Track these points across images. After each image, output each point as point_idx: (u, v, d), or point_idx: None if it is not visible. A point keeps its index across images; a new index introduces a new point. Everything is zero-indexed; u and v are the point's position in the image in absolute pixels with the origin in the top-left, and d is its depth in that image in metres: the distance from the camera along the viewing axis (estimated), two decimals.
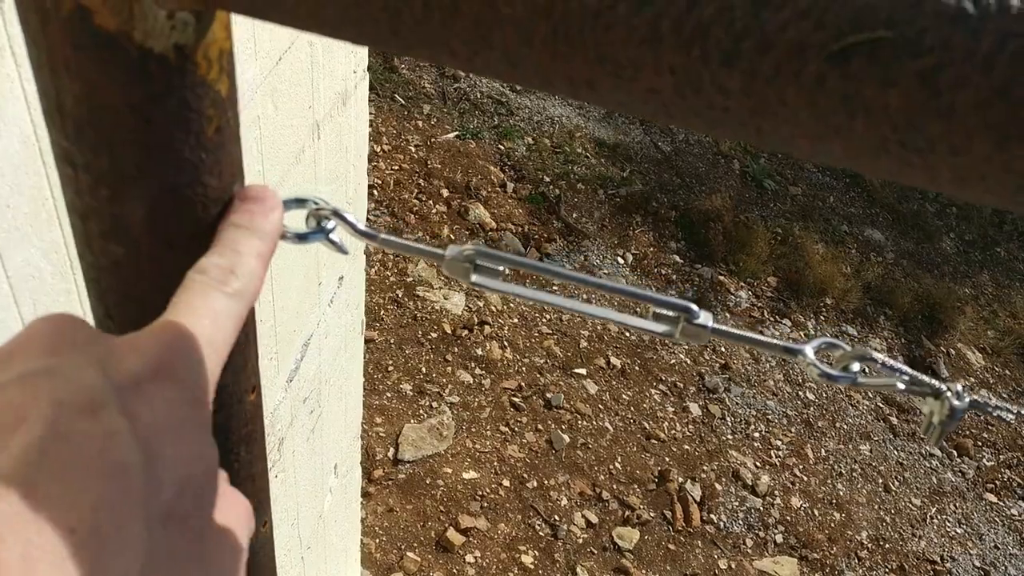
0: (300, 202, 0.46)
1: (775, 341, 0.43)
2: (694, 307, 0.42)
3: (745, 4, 0.29)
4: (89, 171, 0.39)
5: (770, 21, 0.29)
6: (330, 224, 0.46)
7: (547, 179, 5.40)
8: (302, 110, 1.23)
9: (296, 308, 1.40)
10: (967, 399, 0.41)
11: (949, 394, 0.41)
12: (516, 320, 4.59)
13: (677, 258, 5.17)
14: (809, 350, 0.42)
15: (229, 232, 0.43)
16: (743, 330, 0.42)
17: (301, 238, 0.45)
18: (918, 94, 0.29)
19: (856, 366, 0.42)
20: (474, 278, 0.44)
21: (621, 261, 5.06)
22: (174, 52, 0.36)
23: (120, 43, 0.35)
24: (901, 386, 0.42)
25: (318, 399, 1.67)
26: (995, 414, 0.40)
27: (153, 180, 0.39)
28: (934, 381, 0.41)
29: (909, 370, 0.40)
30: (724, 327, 0.42)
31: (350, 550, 2.73)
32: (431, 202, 5.05)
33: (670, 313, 0.43)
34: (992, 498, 4.35)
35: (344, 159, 1.53)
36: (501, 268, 0.43)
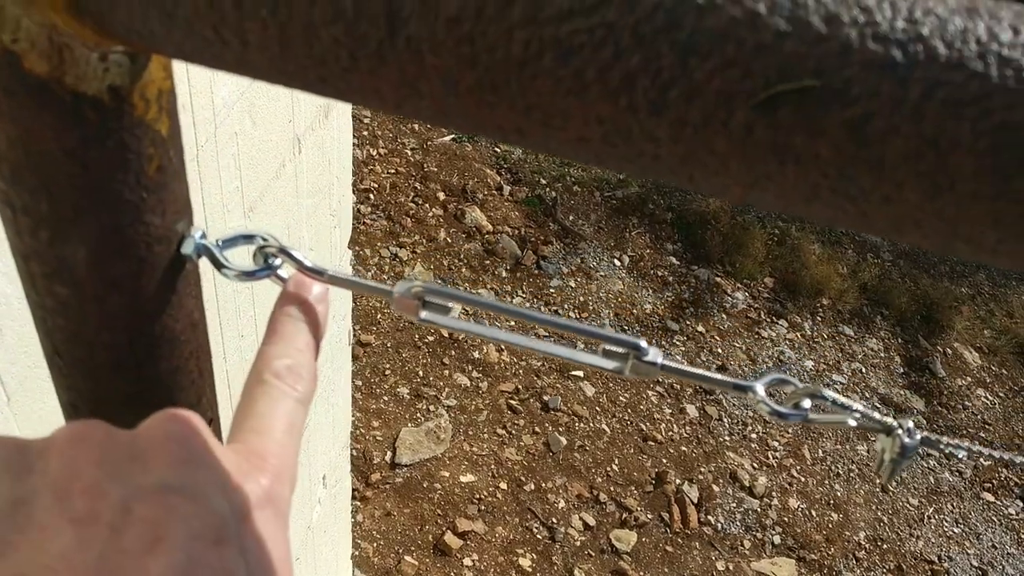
0: (248, 238, 0.45)
1: (725, 379, 0.42)
2: (643, 344, 0.42)
3: (671, 54, 0.29)
4: (28, 213, 0.39)
5: (697, 70, 0.29)
6: (277, 261, 0.45)
7: (543, 182, 5.40)
8: (282, 125, 1.23)
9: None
10: (918, 436, 0.40)
11: (900, 431, 0.40)
12: (513, 323, 4.58)
13: (674, 260, 5.17)
14: (759, 387, 0.42)
15: (285, 324, 0.45)
16: (693, 367, 0.42)
17: (248, 275, 0.45)
18: (847, 144, 0.29)
19: (807, 403, 0.41)
20: (423, 315, 0.43)
21: (618, 263, 5.05)
22: (108, 94, 0.36)
23: (51, 88, 0.35)
24: (853, 423, 0.41)
25: None
26: (947, 451, 0.39)
27: (93, 221, 0.39)
28: (885, 418, 0.40)
29: (861, 407, 0.40)
30: (673, 364, 0.42)
31: (341, 559, 2.73)
32: (427, 205, 5.05)
33: (620, 350, 0.43)
34: (989, 497, 4.34)
35: (327, 172, 1.53)
36: (450, 305, 0.43)
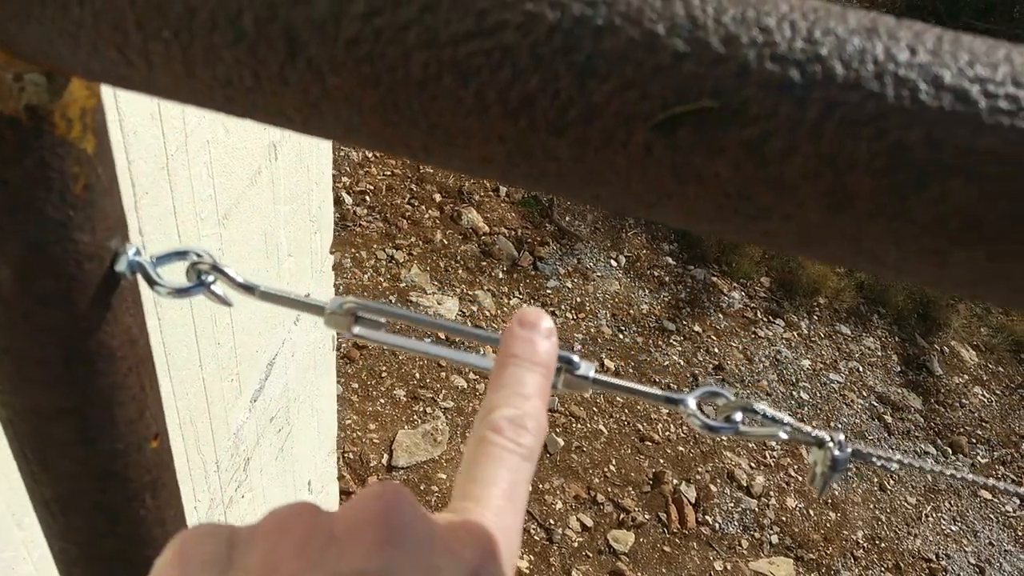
0: (180, 255, 0.45)
1: (657, 392, 0.42)
2: (575, 358, 0.42)
3: (569, 75, 0.29)
4: None
5: (595, 92, 0.29)
6: (210, 277, 0.45)
7: None
8: (257, 131, 1.23)
9: (258, 329, 1.40)
10: (849, 449, 0.40)
11: (831, 444, 0.40)
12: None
13: (670, 260, 5.17)
14: (691, 401, 0.42)
15: (511, 369, 0.43)
16: (623, 381, 0.42)
17: (181, 292, 0.45)
18: (746, 163, 0.29)
19: (739, 416, 0.41)
20: (356, 330, 0.43)
21: (614, 264, 5.05)
22: (26, 114, 0.36)
23: None
24: (784, 436, 0.41)
25: (287, 417, 1.66)
26: (879, 464, 0.39)
27: (16, 239, 0.39)
28: (816, 432, 0.40)
29: (791, 421, 0.40)
30: (605, 378, 0.42)
31: None
32: (424, 207, 5.05)
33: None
34: (986, 495, 4.34)
35: (306, 177, 1.53)
36: (383, 320, 0.43)
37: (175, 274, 0.45)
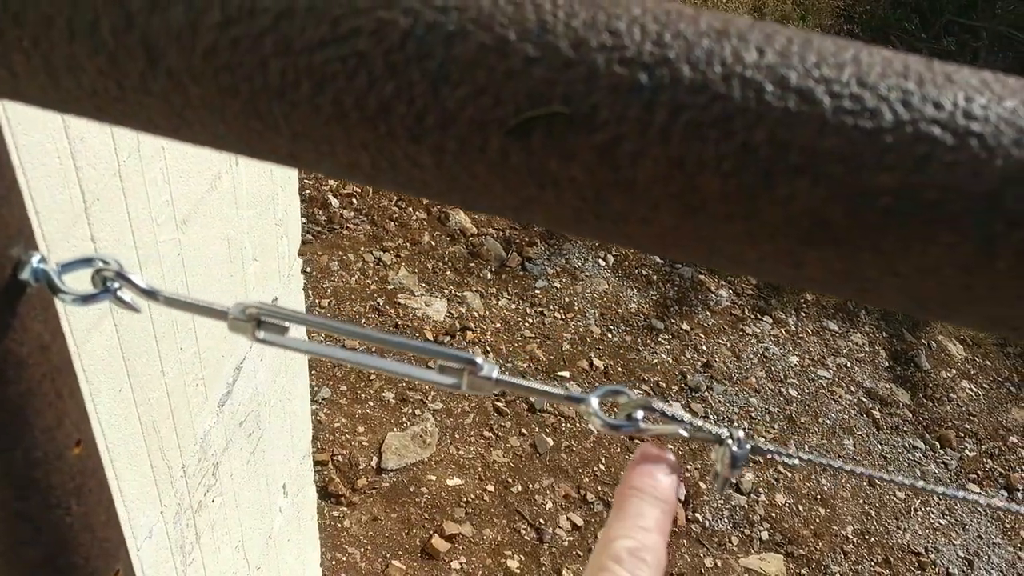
0: (86, 262, 0.45)
1: (560, 392, 0.42)
2: (479, 360, 0.42)
3: (424, 81, 0.29)
4: None
5: (449, 98, 0.29)
6: (116, 284, 0.45)
7: None
8: None
9: (224, 332, 1.40)
10: (747, 446, 0.41)
11: (730, 441, 0.41)
12: (499, 325, 4.58)
13: (658, 258, 5.17)
14: (594, 400, 0.42)
15: (633, 501, 0.44)
16: (527, 381, 0.42)
17: (86, 300, 0.45)
18: (599, 168, 0.29)
19: (640, 414, 0.42)
20: (260, 335, 0.43)
21: (602, 263, 5.05)
22: None
23: None
24: (684, 434, 0.41)
25: (257, 421, 1.67)
26: (780, 460, 0.40)
27: None
28: (715, 429, 0.41)
29: (690, 418, 0.40)
30: (508, 378, 0.42)
31: (309, 568, 2.73)
32: (411, 209, 5.05)
33: (456, 366, 0.43)
34: (975, 488, 4.35)
35: (270, 182, 1.53)
36: (286, 325, 0.43)
37: (84, 283, 0.45)
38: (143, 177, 1.04)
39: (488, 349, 4.43)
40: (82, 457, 0.53)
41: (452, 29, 0.29)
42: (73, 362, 0.51)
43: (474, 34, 0.29)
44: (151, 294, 0.44)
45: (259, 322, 0.43)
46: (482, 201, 0.31)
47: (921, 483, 0.42)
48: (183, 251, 1.22)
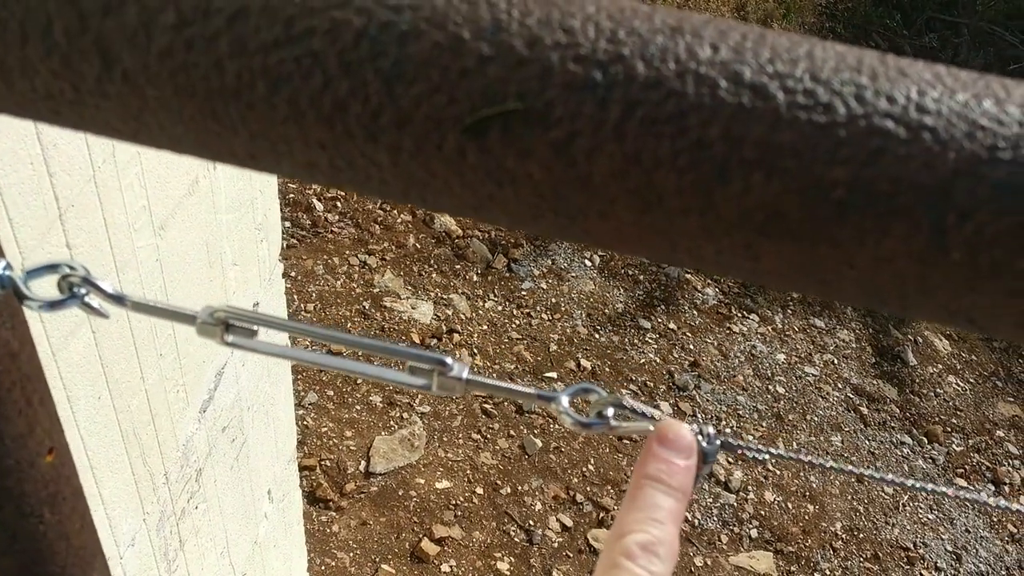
0: (52, 268, 0.45)
1: (530, 390, 0.43)
2: (448, 360, 0.42)
3: (378, 81, 0.29)
4: None
5: (403, 96, 0.29)
6: (83, 290, 0.45)
7: None
8: None
9: (203, 339, 1.39)
10: (717, 442, 0.41)
11: (700, 438, 0.41)
12: (485, 327, 4.58)
13: (644, 258, 5.18)
14: (564, 398, 0.42)
15: (647, 491, 0.43)
16: (496, 381, 0.42)
17: (53, 306, 0.45)
18: (555, 164, 0.29)
19: (610, 411, 0.42)
20: (229, 339, 0.43)
21: (588, 263, 5.06)
22: None
23: None
24: (654, 429, 0.41)
25: (240, 427, 1.66)
26: (750, 456, 0.40)
27: None
28: (685, 426, 0.41)
29: (659, 415, 0.40)
30: (479, 378, 0.42)
31: (296, 573, 2.72)
32: (396, 211, 5.04)
33: (426, 367, 0.43)
34: (962, 483, 4.37)
35: (249, 186, 1.52)
36: (255, 328, 0.43)
37: (51, 290, 0.45)
38: (119, 182, 1.03)
39: (475, 351, 4.43)
40: (55, 465, 0.52)
41: (405, 28, 0.29)
42: (50, 369, 0.51)
43: (428, 33, 0.29)
44: (118, 299, 0.44)
45: (228, 325, 0.43)
46: (441, 200, 0.31)
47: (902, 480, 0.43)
48: (161, 257, 1.21)
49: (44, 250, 0.88)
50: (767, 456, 0.41)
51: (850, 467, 0.40)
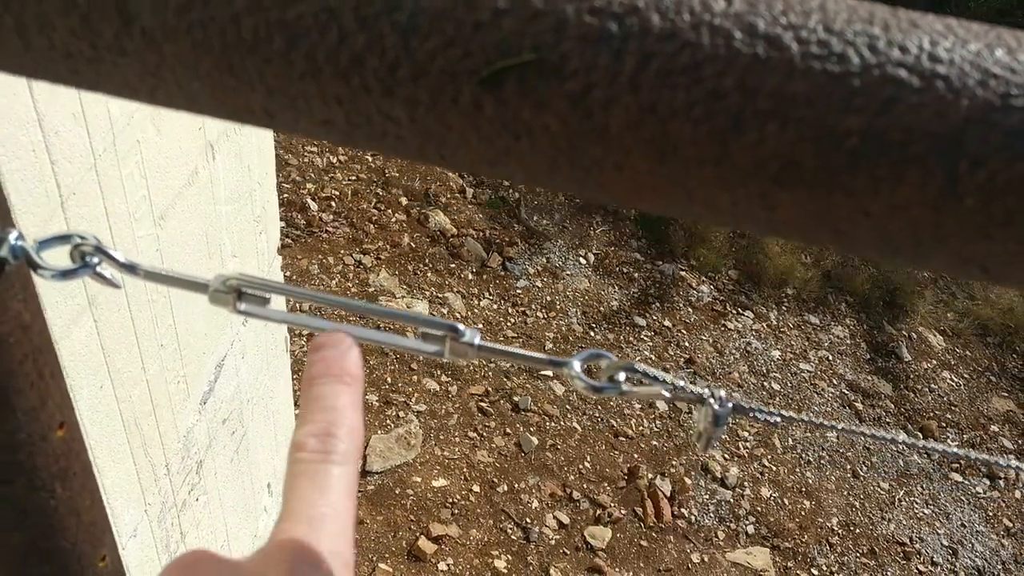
0: (63, 238, 0.45)
1: (541, 356, 0.43)
2: (460, 326, 0.42)
3: (394, 34, 0.29)
4: None
5: (419, 50, 0.29)
6: (95, 259, 0.45)
7: (506, 183, 5.40)
8: (191, 132, 1.22)
9: (204, 330, 1.40)
10: (729, 405, 0.41)
11: (712, 400, 0.41)
12: (481, 325, 4.58)
13: (638, 256, 5.19)
14: (576, 363, 0.42)
15: (312, 390, 0.42)
16: (507, 347, 0.42)
17: (65, 275, 0.45)
18: (572, 116, 0.30)
19: (622, 376, 0.42)
20: (241, 307, 0.43)
21: (583, 261, 5.06)
22: None
23: None
24: (667, 394, 0.42)
25: (240, 419, 1.66)
26: (762, 419, 0.40)
27: None
28: (696, 388, 0.41)
29: (671, 379, 0.41)
30: (489, 344, 0.42)
31: None
32: (390, 211, 5.04)
33: (438, 333, 0.43)
34: (957, 477, 4.38)
35: (247, 178, 1.53)
36: (267, 296, 0.43)
37: (63, 259, 0.45)
38: (119, 171, 1.03)
39: None
40: (66, 439, 0.52)
41: None
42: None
43: None
44: (130, 268, 0.44)
45: (240, 294, 0.43)
46: (458, 155, 0.31)
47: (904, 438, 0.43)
48: (162, 247, 1.21)
49: None
50: (778, 419, 0.41)
51: (863, 429, 0.40)
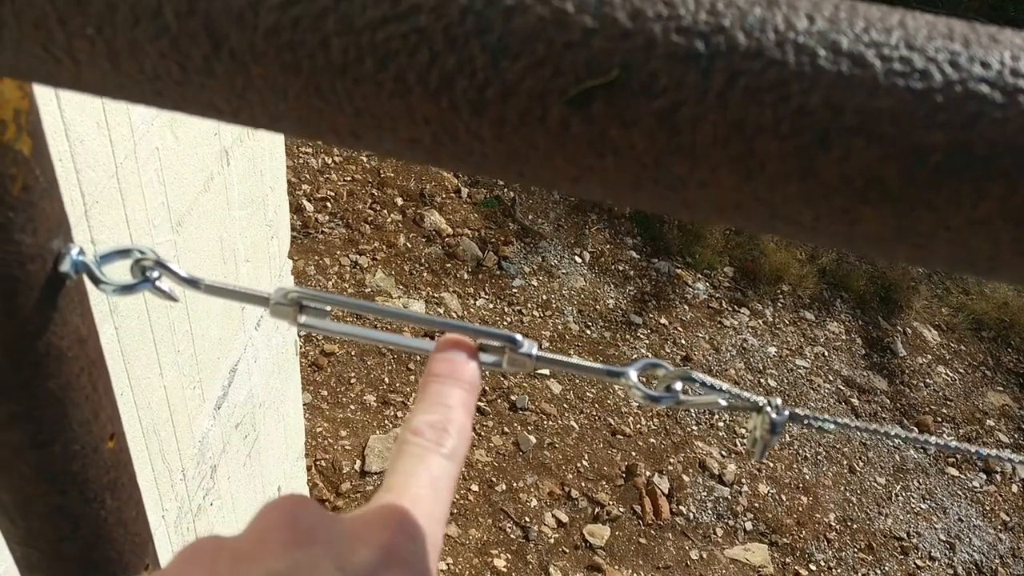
0: (124, 253, 0.46)
1: (599, 366, 0.43)
2: (519, 337, 0.43)
3: (484, 55, 0.30)
4: None
5: (509, 70, 0.30)
6: (155, 273, 0.46)
7: (501, 182, 5.40)
8: (207, 138, 1.23)
9: (218, 335, 1.40)
10: (786, 413, 0.42)
11: (769, 408, 0.41)
12: (478, 325, 4.58)
13: (634, 254, 5.20)
14: (632, 373, 0.43)
15: (433, 385, 0.45)
16: (565, 357, 0.43)
17: (126, 289, 0.45)
18: (659, 133, 0.30)
19: (679, 385, 0.43)
20: (302, 319, 0.44)
21: (579, 260, 5.07)
22: None
23: None
24: (723, 403, 0.42)
25: (252, 423, 1.66)
26: (816, 426, 0.41)
27: None
28: (754, 397, 0.42)
29: (729, 388, 0.41)
30: (548, 355, 0.43)
31: None
32: (386, 211, 5.04)
33: (496, 344, 0.44)
34: (954, 472, 4.40)
35: (260, 183, 1.53)
36: (328, 308, 0.43)
37: (120, 274, 0.45)
38: (139, 179, 1.04)
39: None
40: (115, 451, 0.53)
41: (511, 3, 0.30)
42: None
43: (532, 7, 0.30)
44: (192, 283, 0.45)
45: (301, 306, 0.44)
46: (541, 173, 0.32)
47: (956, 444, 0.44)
48: (179, 253, 1.21)
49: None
50: (831, 426, 0.42)
51: (917, 435, 0.41)
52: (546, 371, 4.40)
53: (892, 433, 0.44)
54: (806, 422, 0.42)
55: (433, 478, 0.41)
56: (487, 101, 0.30)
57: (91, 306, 0.48)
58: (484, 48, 0.30)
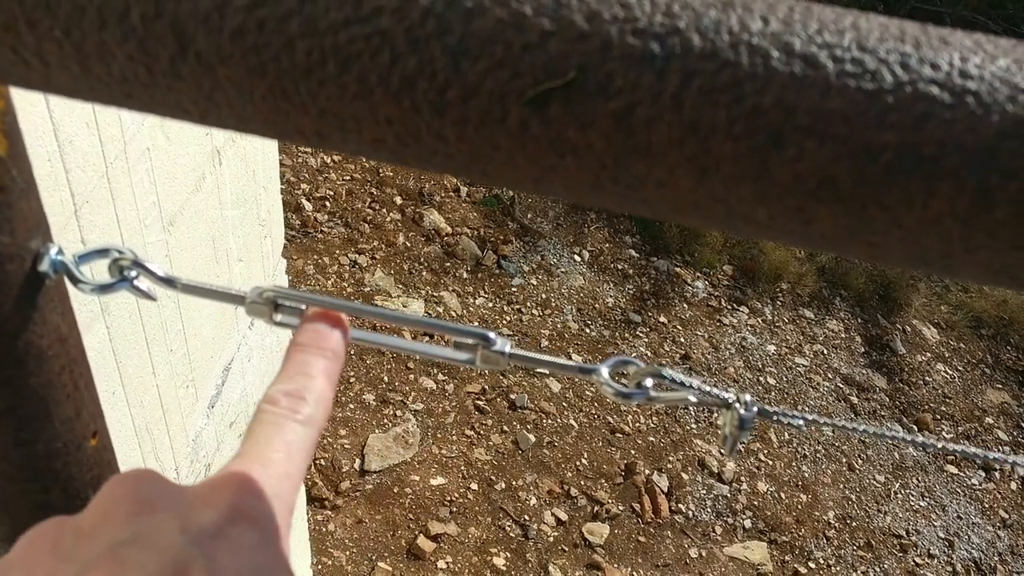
0: (102, 252, 0.46)
1: (570, 363, 0.44)
2: (492, 335, 0.43)
3: (445, 57, 0.30)
4: None
5: (469, 71, 0.30)
6: (133, 273, 0.46)
7: None
8: (198, 138, 1.23)
9: (212, 334, 1.41)
10: (755, 408, 0.42)
11: (738, 405, 0.42)
12: (477, 323, 4.59)
13: (633, 252, 5.20)
14: (604, 370, 0.43)
15: (295, 355, 0.45)
16: (537, 354, 0.43)
17: (104, 289, 0.46)
18: (616, 134, 0.31)
19: (649, 382, 0.43)
20: (278, 318, 0.44)
21: (578, 259, 5.07)
22: None
23: None
24: (693, 399, 0.43)
25: (246, 422, 1.67)
26: (785, 422, 0.41)
27: None
28: (723, 393, 0.42)
29: (699, 384, 0.42)
30: (520, 352, 0.43)
31: (299, 571, 2.72)
32: (385, 210, 5.05)
33: (470, 341, 0.44)
34: (953, 469, 4.41)
35: (252, 182, 1.53)
36: (303, 307, 0.44)
37: (103, 273, 0.46)
38: (130, 179, 1.04)
39: None
40: (98, 448, 0.53)
41: (470, 6, 0.30)
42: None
43: (491, 10, 0.30)
44: (168, 281, 0.45)
45: (276, 305, 0.44)
46: (504, 173, 0.32)
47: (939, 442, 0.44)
48: (170, 252, 1.22)
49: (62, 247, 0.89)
50: (801, 422, 0.42)
51: (892, 432, 0.41)
52: (544, 370, 4.40)
53: (861, 429, 0.44)
54: (775, 419, 0.42)
55: (287, 443, 0.41)
56: (448, 102, 0.31)
57: (73, 305, 0.49)
58: (445, 50, 0.30)
